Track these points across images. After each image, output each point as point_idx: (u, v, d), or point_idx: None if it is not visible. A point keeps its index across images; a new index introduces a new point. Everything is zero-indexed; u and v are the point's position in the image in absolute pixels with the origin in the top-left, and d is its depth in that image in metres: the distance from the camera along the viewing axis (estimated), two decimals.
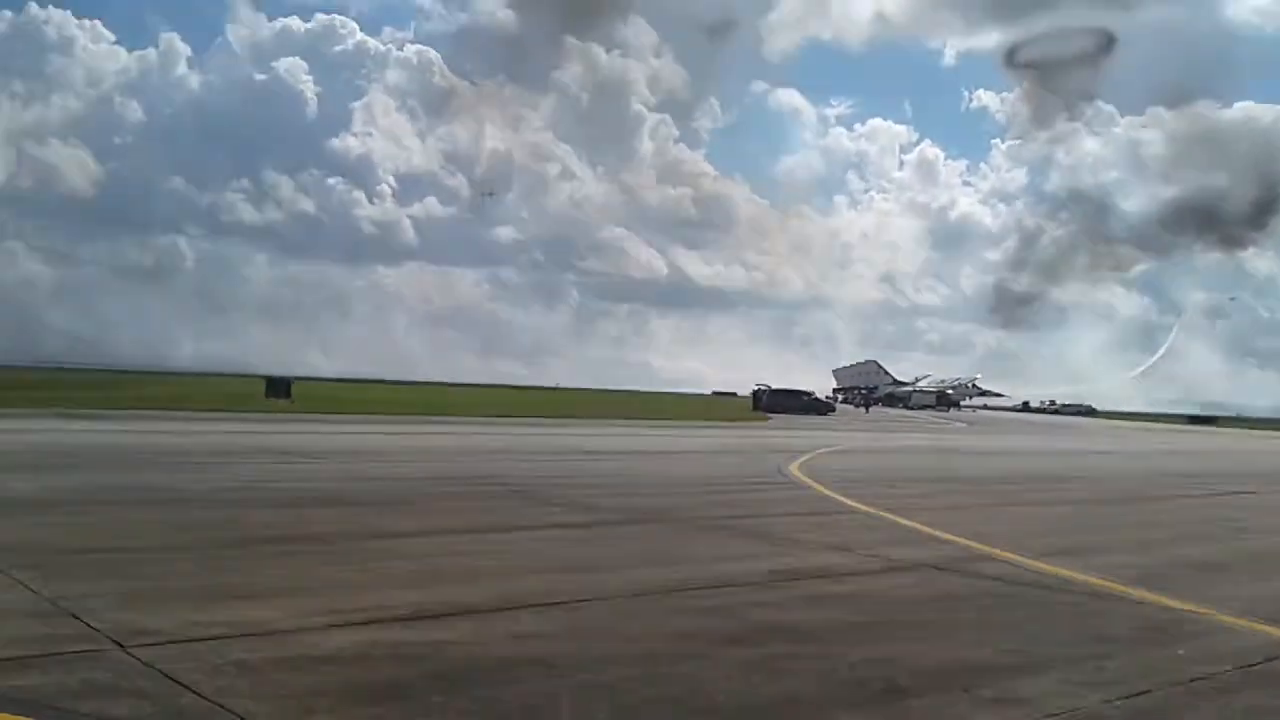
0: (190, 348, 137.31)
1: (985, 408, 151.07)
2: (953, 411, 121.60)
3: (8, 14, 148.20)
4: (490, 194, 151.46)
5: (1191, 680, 6.23)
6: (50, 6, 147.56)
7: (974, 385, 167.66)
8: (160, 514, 11.56)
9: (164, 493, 13.38)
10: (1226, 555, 11.67)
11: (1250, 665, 6.64)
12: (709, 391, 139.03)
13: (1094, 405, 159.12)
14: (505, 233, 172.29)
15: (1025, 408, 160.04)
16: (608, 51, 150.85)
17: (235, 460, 18.84)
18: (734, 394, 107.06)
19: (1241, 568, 10.79)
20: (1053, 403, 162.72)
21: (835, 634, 7.06)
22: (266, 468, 17.75)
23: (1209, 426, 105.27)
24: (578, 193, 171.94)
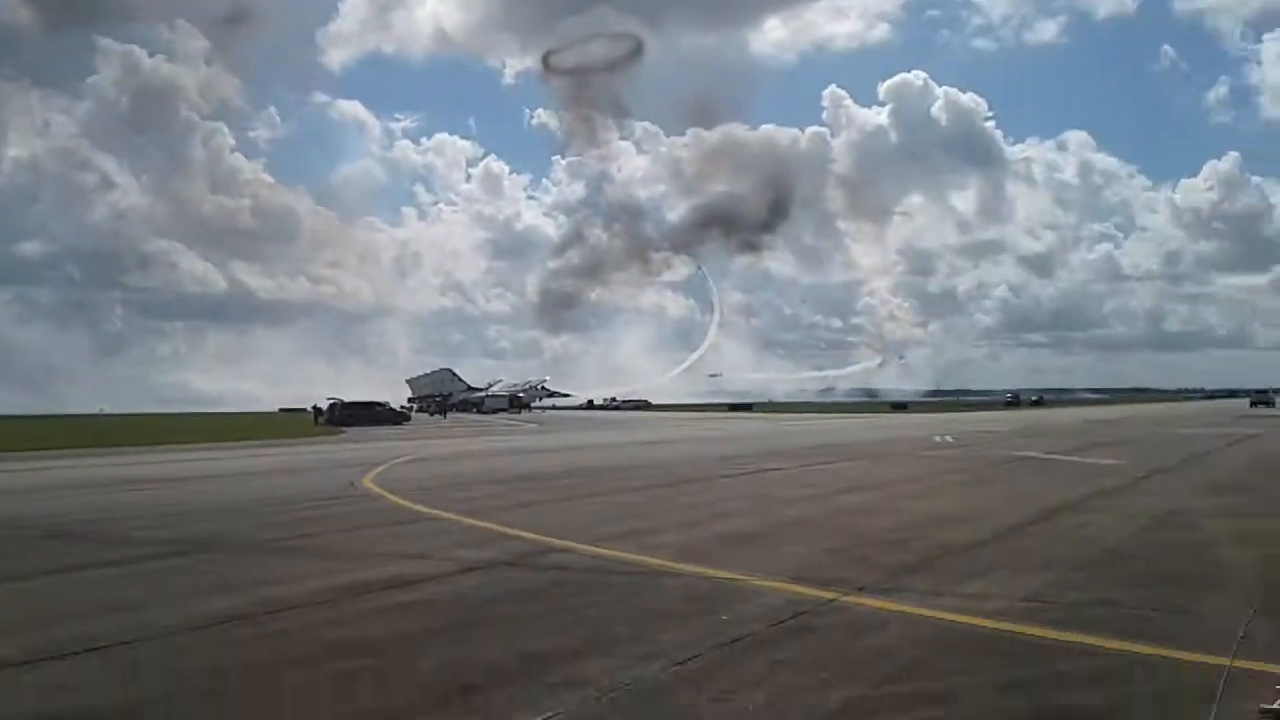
0: None
1: (554, 408, 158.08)
2: (524, 413, 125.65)
3: None
4: None
5: (734, 641, 6.91)
6: None
7: (543, 387, 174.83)
8: None
9: None
10: (759, 526, 13.07)
11: (781, 621, 7.49)
12: (276, 409, 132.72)
13: (649, 400, 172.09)
14: (32, 247, 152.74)
15: (590, 406, 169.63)
16: (150, 55, 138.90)
17: None
18: (305, 410, 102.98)
19: (771, 536, 12.13)
20: (614, 400, 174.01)
21: (408, 643, 7.03)
22: None
23: (746, 413, 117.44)
24: (120, 203, 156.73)
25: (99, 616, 8.08)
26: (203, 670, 6.39)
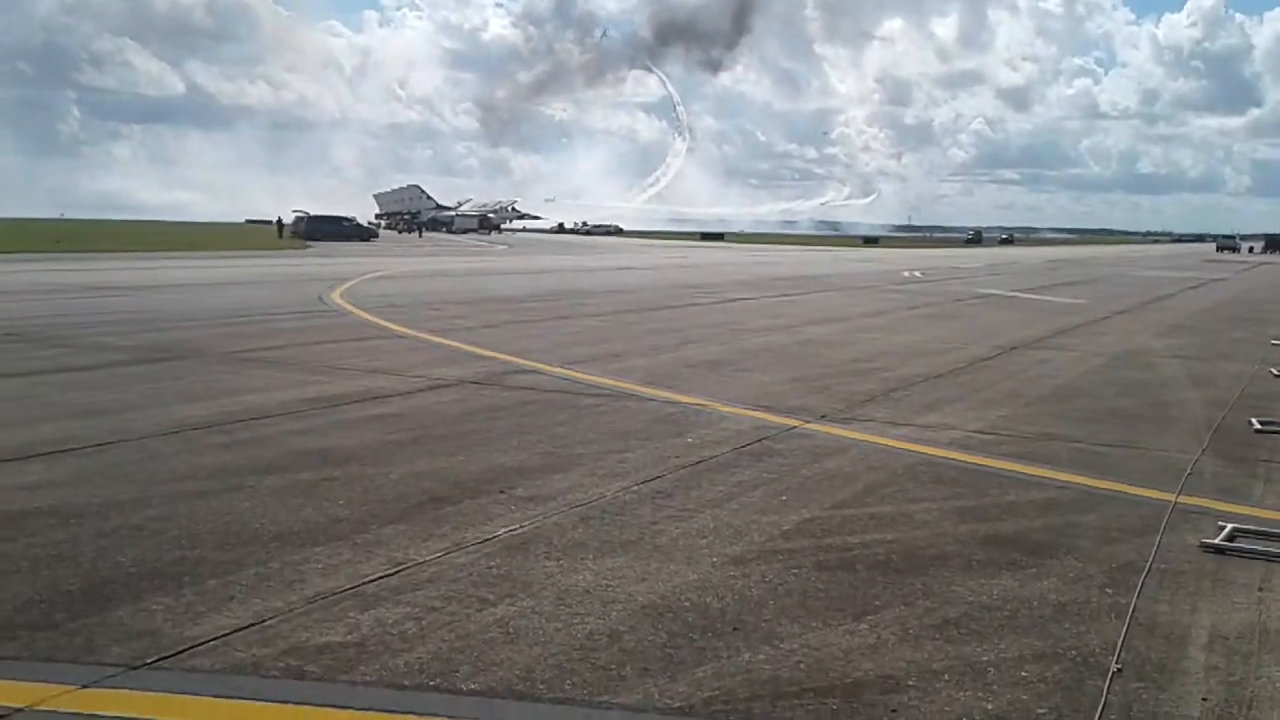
0: None
1: (525, 230, 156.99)
2: (494, 235, 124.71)
3: None
4: None
5: (697, 463, 7.07)
6: None
7: (513, 209, 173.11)
8: None
9: None
10: (724, 354, 13.21)
11: (743, 446, 7.65)
12: (243, 220, 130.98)
13: (621, 225, 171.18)
14: None
15: (561, 229, 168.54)
16: None
17: None
18: (271, 222, 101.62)
19: (738, 364, 12.28)
20: (585, 224, 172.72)
21: (376, 454, 7.14)
22: None
23: (718, 242, 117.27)
24: None
25: (70, 420, 8.12)
26: (175, 474, 6.47)
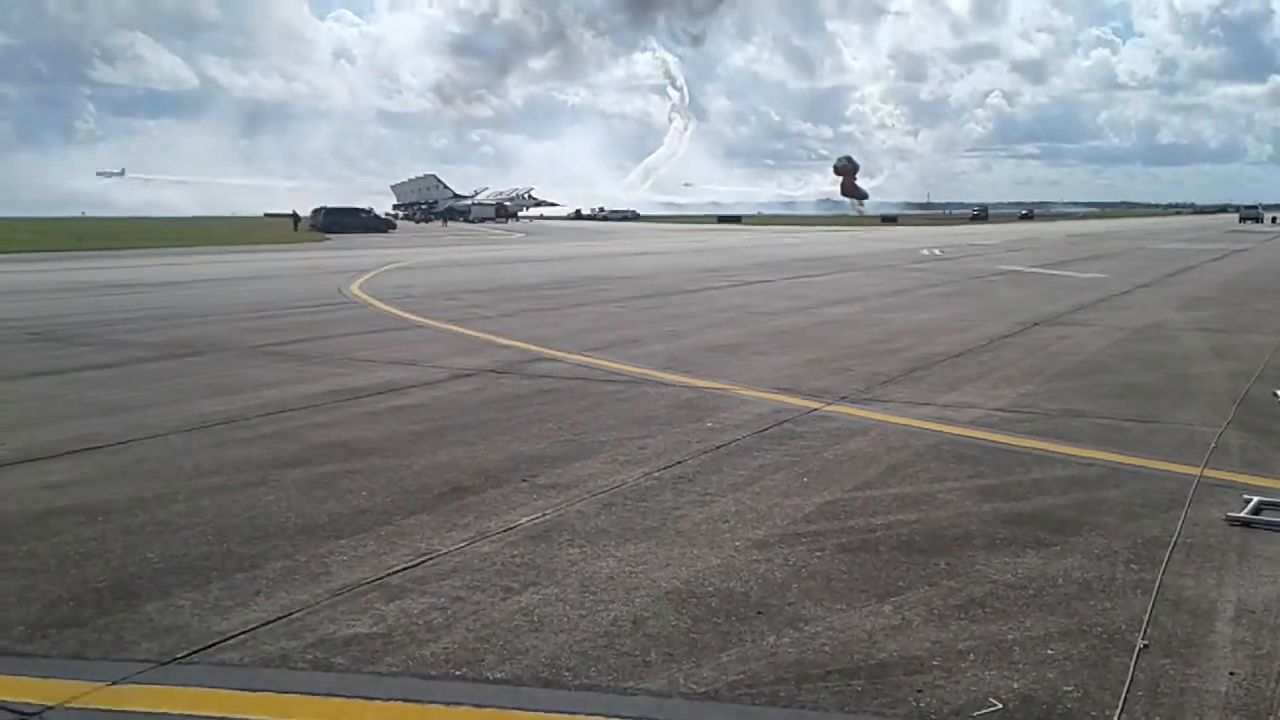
0: None
1: (542, 217, 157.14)
2: (511, 222, 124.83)
3: None
4: None
5: (718, 447, 7.07)
6: None
7: (530, 196, 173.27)
8: None
9: None
10: (743, 337, 13.19)
11: (764, 429, 7.64)
12: (262, 214, 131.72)
13: (637, 211, 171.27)
14: None
15: (578, 216, 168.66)
16: None
17: None
18: (290, 215, 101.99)
19: (756, 347, 12.26)
20: (602, 210, 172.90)
21: (398, 446, 7.17)
22: None
23: (735, 225, 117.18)
24: None
25: (94, 417, 8.19)
26: (200, 469, 6.51)
